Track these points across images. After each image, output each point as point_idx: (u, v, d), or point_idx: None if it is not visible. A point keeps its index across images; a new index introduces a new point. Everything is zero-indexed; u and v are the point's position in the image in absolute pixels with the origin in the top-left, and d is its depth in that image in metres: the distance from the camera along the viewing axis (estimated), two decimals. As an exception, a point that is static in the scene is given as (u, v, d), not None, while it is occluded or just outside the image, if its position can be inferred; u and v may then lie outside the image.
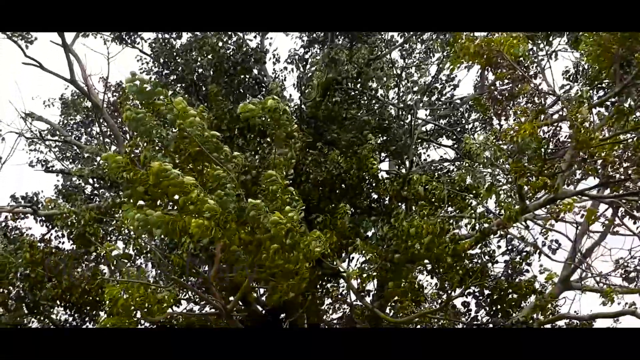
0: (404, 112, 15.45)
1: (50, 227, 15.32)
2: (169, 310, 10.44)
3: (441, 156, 17.05)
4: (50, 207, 15.10)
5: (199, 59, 15.38)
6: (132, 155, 10.69)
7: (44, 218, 15.53)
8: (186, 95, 15.13)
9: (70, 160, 19.22)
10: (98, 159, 16.46)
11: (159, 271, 12.75)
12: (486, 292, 12.40)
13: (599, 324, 16.37)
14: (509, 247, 12.44)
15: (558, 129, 12.35)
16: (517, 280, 12.35)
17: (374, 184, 13.97)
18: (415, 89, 16.34)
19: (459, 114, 16.61)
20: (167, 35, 16.12)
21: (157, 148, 9.62)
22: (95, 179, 16.23)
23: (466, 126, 16.38)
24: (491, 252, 12.17)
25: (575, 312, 15.28)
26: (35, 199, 15.58)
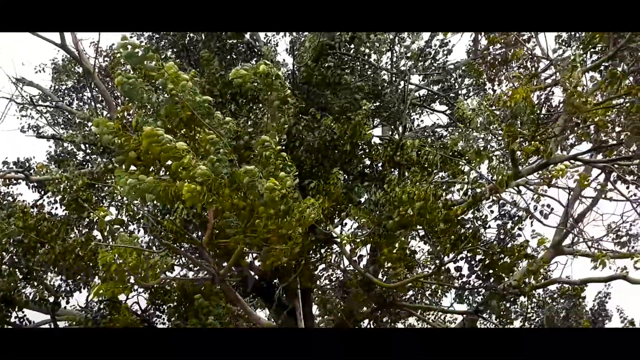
0: (397, 78, 15.37)
1: (42, 193, 15.30)
2: (163, 275, 10.47)
3: (434, 122, 17.03)
4: (42, 172, 15.06)
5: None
6: (124, 120, 10.65)
7: (36, 184, 15.51)
8: (178, 60, 15.02)
9: (62, 126, 19.11)
10: (90, 124, 16.38)
11: (151, 237, 12.76)
12: (478, 256, 12.43)
13: (591, 288, 16.54)
14: (501, 212, 12.46)
15: (551, 93, 12.36)
16: (509, 245, 12.38)
17: (367, 150, 13.95)
18: (409, 54, 16.23)
19: (452, 79, 16.53)
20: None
21: (149, 113, 9.58)
22: (87, 145, 16.17)
23: (459, 91, 16.31)
24: (483, 217, 12.19)
25: (567, 277, 15.42)
26: (27, 164, 15.54)
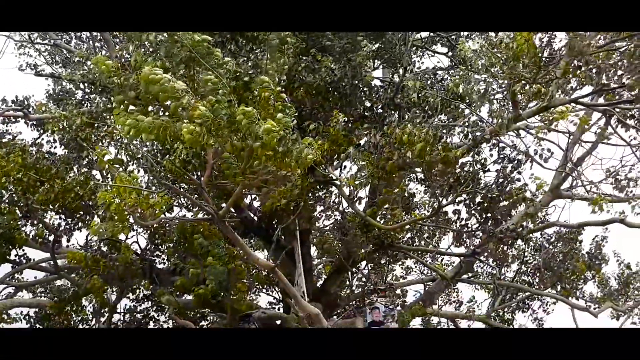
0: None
1: (41, 132, 15.26)
2: (162, 215, 10.51)
3: (435, 64, 16.90)
4: (41, 111, 14.99)
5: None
6: (123, 60, 10.54)
7: (35, 123, 15.45)
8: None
9: (61, 65, 18.94)
10: (88, 63, 16.22)
11: (150, 177, 12.77)
12: (477, 200, 12.47)
13: (588, 231, 16.65)
14: (501, 156, 12.46)
15: (553, 36, 12.20)
16: (507, 188, 12.41)
17: (367, 92, 13.88)
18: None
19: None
20: None
21: (147, 52, 9.49)
22: (86, 84, 16.04)
23: (461, 33, 16.14)
24: (483, 160, 12.20)
25: (564, 220, 15.51)
26: (26, 103, 15.45)
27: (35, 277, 17.33)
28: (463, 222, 13.04)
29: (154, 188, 12.34)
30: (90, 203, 13.49)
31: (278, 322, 15.87)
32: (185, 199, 15.32)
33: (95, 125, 13.49)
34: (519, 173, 12.36)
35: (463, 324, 19.09)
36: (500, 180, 12.43)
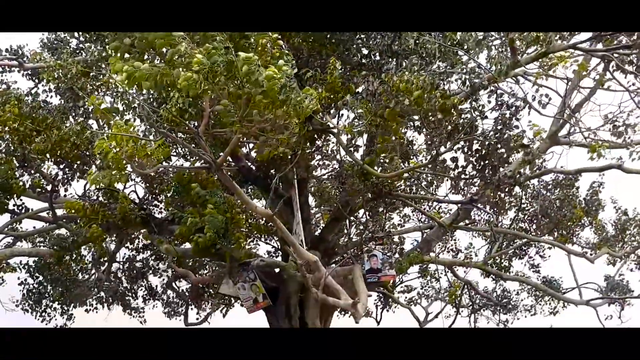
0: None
1: (37, 81, 15.15)
2: (160, 164, 10.49)
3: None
4: (36, 60, 14.86)
5: None
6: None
7: (30, 72, 15.32)
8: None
9: (54, 13, 18.69)
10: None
11: (147, 126, 12.72)
12: (474, 147, 12.45)
13: (585, 178, 16.69)
14: (499, 103, 12.39)
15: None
16: (505, 135, 12.38)
17: (364, 39, 13.75)
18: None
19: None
20: None
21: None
22: (80, 32, 15.87)
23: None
24: (481, 107, 12.13)
25: (561, 167, 15.53)
26: (20, 52, 15.29)
27: (34, 227, 17.39)
28: (461, 170, 13.05)
29: (151, 137, 12.31)
30: (88, 153, 13.48)
31: (277, 270, 16.02)
32: (183, 148, 15.30)
33: (91, 74, 13.39)
34: (517, 120, 12.31)
35: (460, 271, 19.28)
36: (498, 127, 12.38)
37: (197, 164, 14.76)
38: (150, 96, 12.71)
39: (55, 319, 19.25)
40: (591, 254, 17.68)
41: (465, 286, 19.73)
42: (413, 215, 19.24)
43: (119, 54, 8.59)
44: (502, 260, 19.31)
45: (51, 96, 14.75)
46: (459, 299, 19.80)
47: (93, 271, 18.08)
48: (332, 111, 13.00)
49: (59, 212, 15.48)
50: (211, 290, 19.84)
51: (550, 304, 20.08)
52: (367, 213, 16.15)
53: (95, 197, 14.73)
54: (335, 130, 12.96)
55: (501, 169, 12.96)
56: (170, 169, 14.86)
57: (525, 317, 20.25)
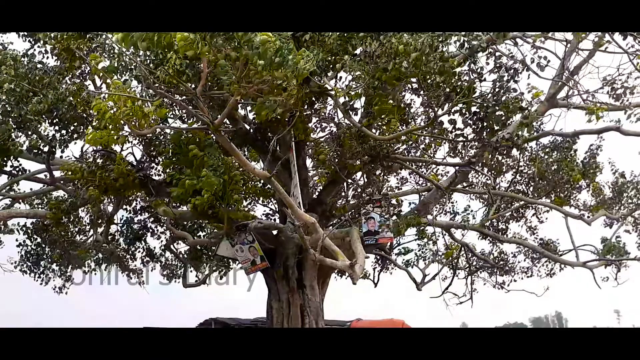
0: None
1: (33, 42, 15.03)
2: (157, 125, 10.48)
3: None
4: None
5: None
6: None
7: (26, 32, 15.19)
8: None
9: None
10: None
11: (145, 87, 12.66)
12: (473, 109, 12.43)
13: (583, 140, 16.69)
14: (497, 65, 12.35)
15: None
16: (504, 98, 12.35)
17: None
18: None
19: None
20: None
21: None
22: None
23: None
24: (479, 69, 12.09)
25: (560, 129, 15.52)
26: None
27: (31, 189, 17.42)
28: (458, 132, 13.05)
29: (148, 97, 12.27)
30: (84, 114, 13.44)
31: (274, 232, 16.08)
32: (180, 110, 15.25)
33: (87, 35, 13.28)
34: (515, 82, 12.28)
35: (457, 233, 19.37)
36: (497, 89, 12.36)
37: (195, 126, 14.73)
38: (147, 58, 12.63)
39: (54, 281, 19.40)
40: (588, 216, 17.74)
41: (463, 248, 19.81)
42: (410, 177, 19.26)
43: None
44: (500, 223, 19.39)
45: (47, 57, 14.65)
46: (455, 261, 19.89)
47: (91, 232, 18.13)
48: (329, 73, 12.93)
49: (57, 174, 15.48)
50: (209, 252, 19.94)
51: (547, 266, 20.15)
52: (364, 176, 16.16)
53: (92, 159, 14.68)
54: (333, 93, 12.92)
55: (499, 132, 12.96)
56: (168, 130, 14.82)
57: (522, 279, 20.32)
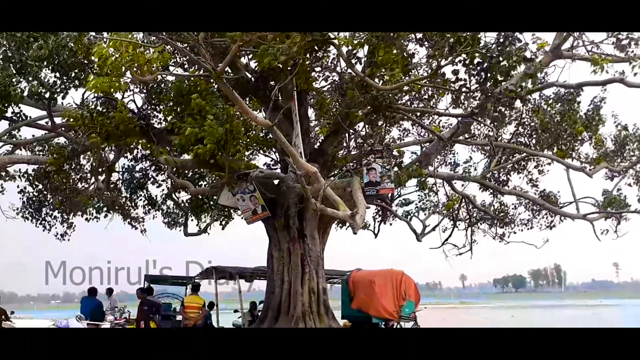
0: None
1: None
2: (159, 72, 10.41)
3: None
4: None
5: None
6: None
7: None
8: None
9: None
10: None
11: (147, 34, 12.54)
12: (476, 60, 12.34)
13: (587, 93, 16.56)
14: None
15: None
16: (508, 48, 12.24)
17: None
18: None
19: None
20: None
21: None
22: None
23: None
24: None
25: (564, 81, 15.39)
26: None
27: (32, 135, 17.37)
28: (462, 83, 12.97)
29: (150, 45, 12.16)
30: (86, 61, 13.34)
31: (276, 181, 16.10)
32: (182, 57, 15.14)
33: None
34: (520, 33, 12.17)
35: (458, 184, 19.37)
36: (501, 40, 12.25)
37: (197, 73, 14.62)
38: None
39: (56, 228, 19.46)
40: (590, 169, 17.70)
41: (463, 200, 19.84)
42: (413, 128, 19.19)
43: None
44: (501, 175, 19.38)
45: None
46: (456, 212, 19.93)
47: (92, 180, 18.12)
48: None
49: (58, 120, 15.41)
50: (210, 202, 19.99)
51: (547, 218, 20.17)
52: (366, 126, 16.10)
53: (93, 107, 14.59)
54: (335, 42, 12.81)
55: (503, 83, 12.88)
56: (170, 78, 14.72)
57: (522, 230, 20.36)
